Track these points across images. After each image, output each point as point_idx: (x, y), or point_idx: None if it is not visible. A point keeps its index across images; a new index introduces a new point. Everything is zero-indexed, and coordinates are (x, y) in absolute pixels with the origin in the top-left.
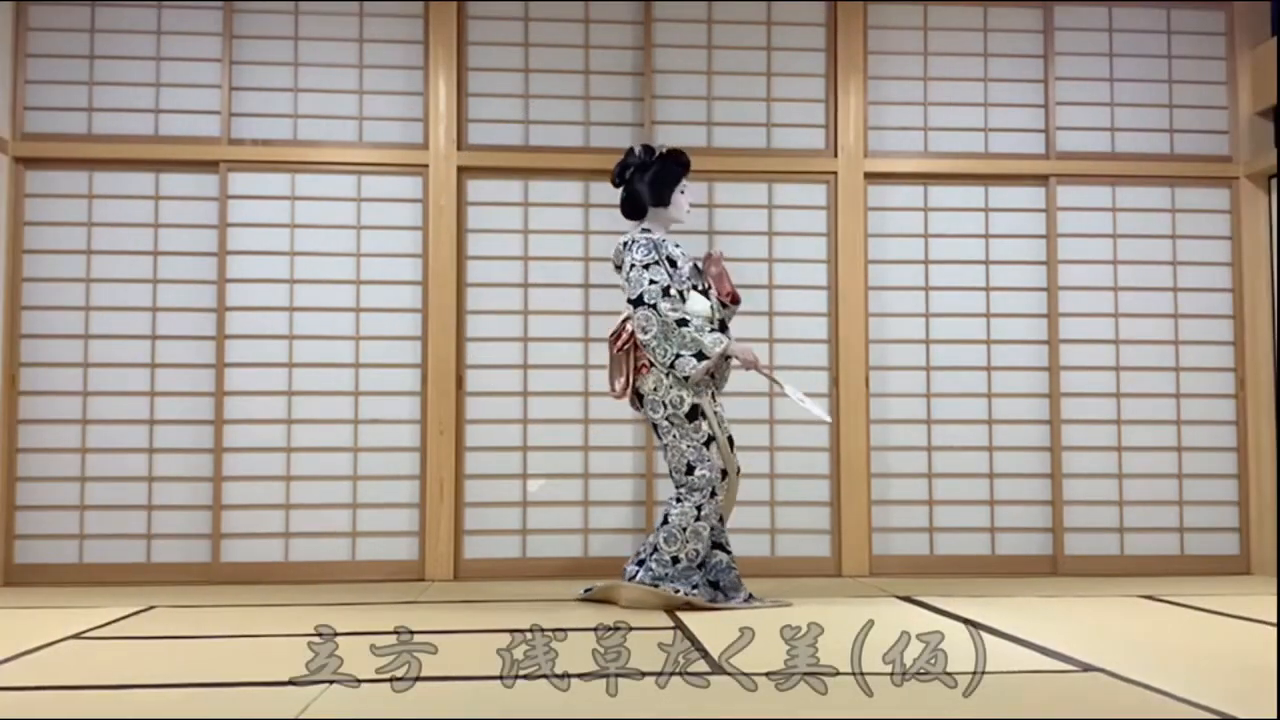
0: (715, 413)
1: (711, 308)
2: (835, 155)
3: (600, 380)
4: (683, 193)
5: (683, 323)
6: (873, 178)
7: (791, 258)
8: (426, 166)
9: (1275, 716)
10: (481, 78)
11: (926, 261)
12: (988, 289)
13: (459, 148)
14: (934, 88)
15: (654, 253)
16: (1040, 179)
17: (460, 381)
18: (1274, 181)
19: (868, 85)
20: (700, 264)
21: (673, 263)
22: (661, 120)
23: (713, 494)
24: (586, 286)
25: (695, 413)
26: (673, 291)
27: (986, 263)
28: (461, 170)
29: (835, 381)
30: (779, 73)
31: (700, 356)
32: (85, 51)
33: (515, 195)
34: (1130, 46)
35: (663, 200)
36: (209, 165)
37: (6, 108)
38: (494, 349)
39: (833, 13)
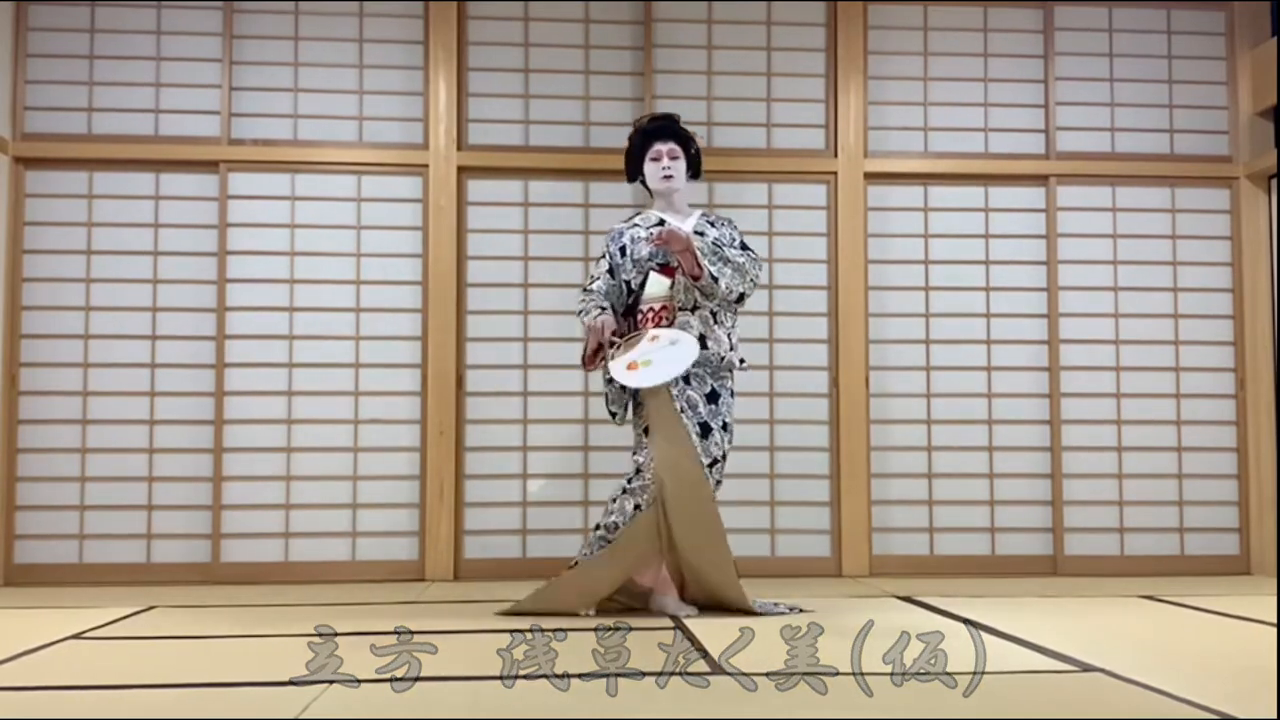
0: (674, 397)
1: (674, 287)
2: (835, 155)
3: (599, 380)
4: (655, 160)
5: (581, 313)
6: (873, 178)
7: (791, 258)
8: (426, 166)
9: (1275, 717)
10: (481, 78)
11: (926, 261)
12: (988, 289)
13: (459, 148)
14: (934, 88)
15: (606, 245)
16: (1040, 179)
17: (460, 381)
18: (1274, 181)
19: (868, 85)
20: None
21: (623, 250)
22: None
23: (633, 476)
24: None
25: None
26: (595, 285)
27: (986, 263)
28: (461, 170)
29: (835, 382)
30: (779, 73)
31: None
32: (85, 51)
33: (515, 195)
34: (1130, 46)
35: (636, 175)
36: (209, 165)
37: (6, 108)
38: (494, 349)
39: (833, 13)
